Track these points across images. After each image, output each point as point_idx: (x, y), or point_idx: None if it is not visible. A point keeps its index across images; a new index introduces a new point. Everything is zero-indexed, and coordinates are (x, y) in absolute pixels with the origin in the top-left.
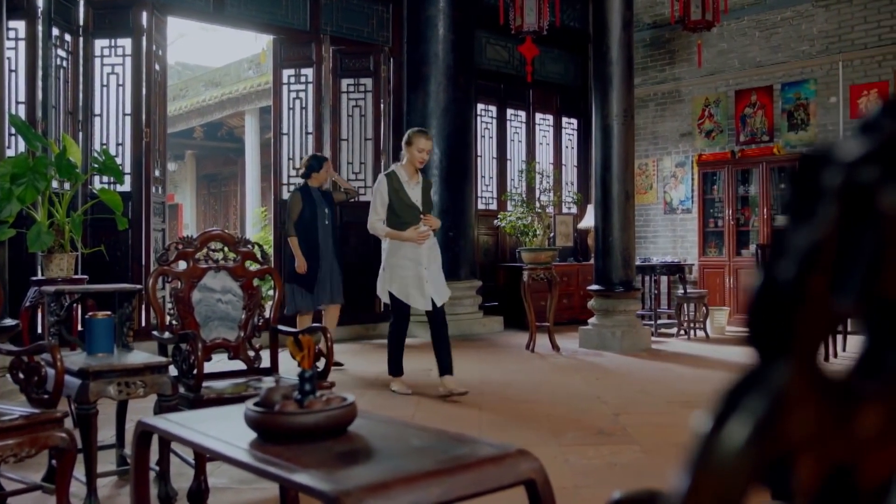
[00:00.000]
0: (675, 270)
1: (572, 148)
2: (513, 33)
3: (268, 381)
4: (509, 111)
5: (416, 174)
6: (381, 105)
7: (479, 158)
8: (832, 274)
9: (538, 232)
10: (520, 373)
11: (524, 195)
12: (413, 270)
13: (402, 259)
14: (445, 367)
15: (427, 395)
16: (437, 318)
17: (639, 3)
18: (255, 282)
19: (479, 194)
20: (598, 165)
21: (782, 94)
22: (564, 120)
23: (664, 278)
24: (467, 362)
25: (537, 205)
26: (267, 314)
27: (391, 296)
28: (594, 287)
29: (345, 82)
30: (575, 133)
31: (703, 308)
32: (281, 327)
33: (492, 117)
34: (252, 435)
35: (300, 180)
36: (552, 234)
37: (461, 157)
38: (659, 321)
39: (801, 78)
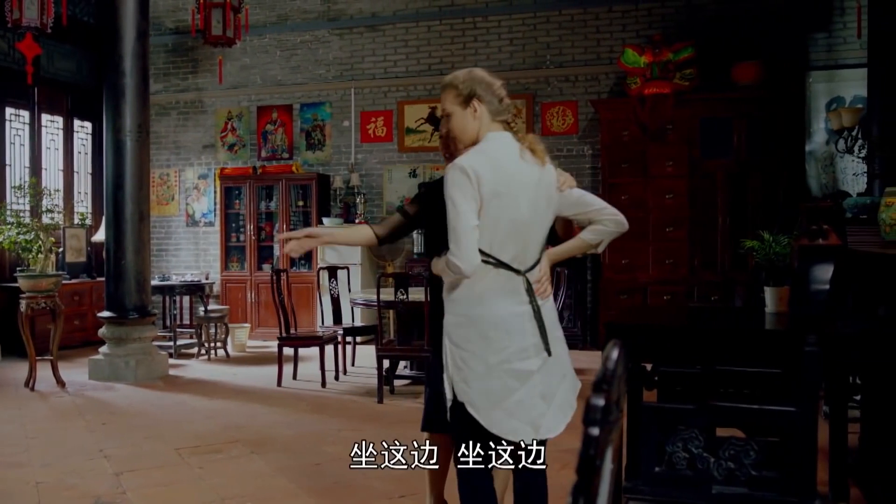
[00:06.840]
0: (196, 289)
1: (86, 154)
2: (10, 27)
3: None
4: (9, 111)
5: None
6: None
7: None
8: None
9: (42, 250)
10: (11, 422)
11: (28, 210)
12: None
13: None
14: None
15: None
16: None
17: (161, 6)
18: None
19: None
20: (109, 183)
21: (301, 113)
22: (77, 123)
23: (186, 297)
24: None
25: (43, 219)
26: None
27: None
28: (105, 314)
29: None
30: (89, 137)
31: (225, 327)
32: None
33: None
34: None
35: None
36: (62, 250)
37: None
38: (179, 341)
39: (319, 100)
